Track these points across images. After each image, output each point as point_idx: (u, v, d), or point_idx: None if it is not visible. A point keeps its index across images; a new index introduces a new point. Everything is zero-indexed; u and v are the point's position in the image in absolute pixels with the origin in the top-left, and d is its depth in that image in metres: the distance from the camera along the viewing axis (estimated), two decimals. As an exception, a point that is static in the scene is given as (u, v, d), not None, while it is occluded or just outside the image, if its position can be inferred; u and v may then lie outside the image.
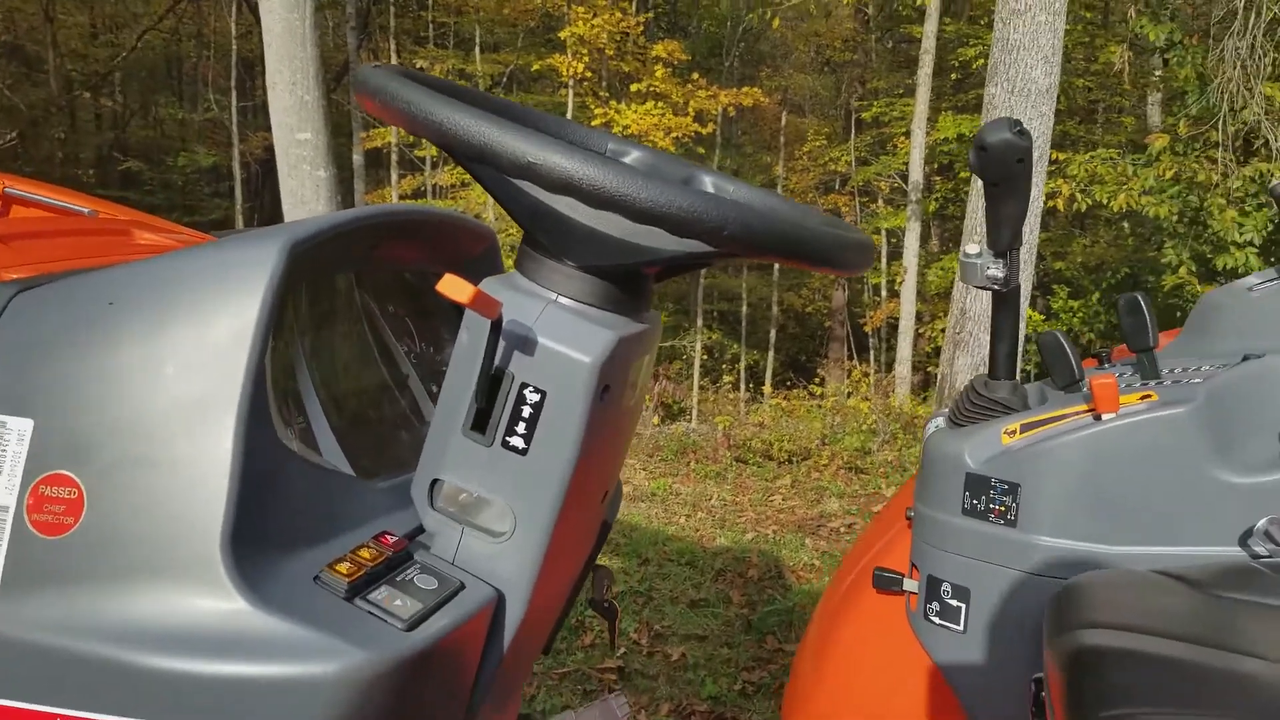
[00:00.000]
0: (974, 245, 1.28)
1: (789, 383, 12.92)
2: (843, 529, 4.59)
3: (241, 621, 0.67)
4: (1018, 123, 1.14)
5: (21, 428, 0.71)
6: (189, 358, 0.71)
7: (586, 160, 0.70)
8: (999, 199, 1.21)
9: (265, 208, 14.80)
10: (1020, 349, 1.81)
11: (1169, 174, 8.08)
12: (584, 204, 0.72)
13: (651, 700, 2.82)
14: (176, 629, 0.68)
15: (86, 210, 1.34)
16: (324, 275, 0.96)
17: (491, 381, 0.78)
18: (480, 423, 0.79)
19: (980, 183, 1.64)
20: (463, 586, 0.79)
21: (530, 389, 0.78)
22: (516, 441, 0.79)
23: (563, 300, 0.80)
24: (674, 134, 10.52)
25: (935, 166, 12.59)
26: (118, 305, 0.73)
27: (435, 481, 0.83)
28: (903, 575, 1.38)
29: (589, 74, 11.43)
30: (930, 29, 10.39)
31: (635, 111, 10.50)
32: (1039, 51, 5.06)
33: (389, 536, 0.80)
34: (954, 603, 1.29)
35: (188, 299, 0.73)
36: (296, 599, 0.70)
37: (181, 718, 0.67)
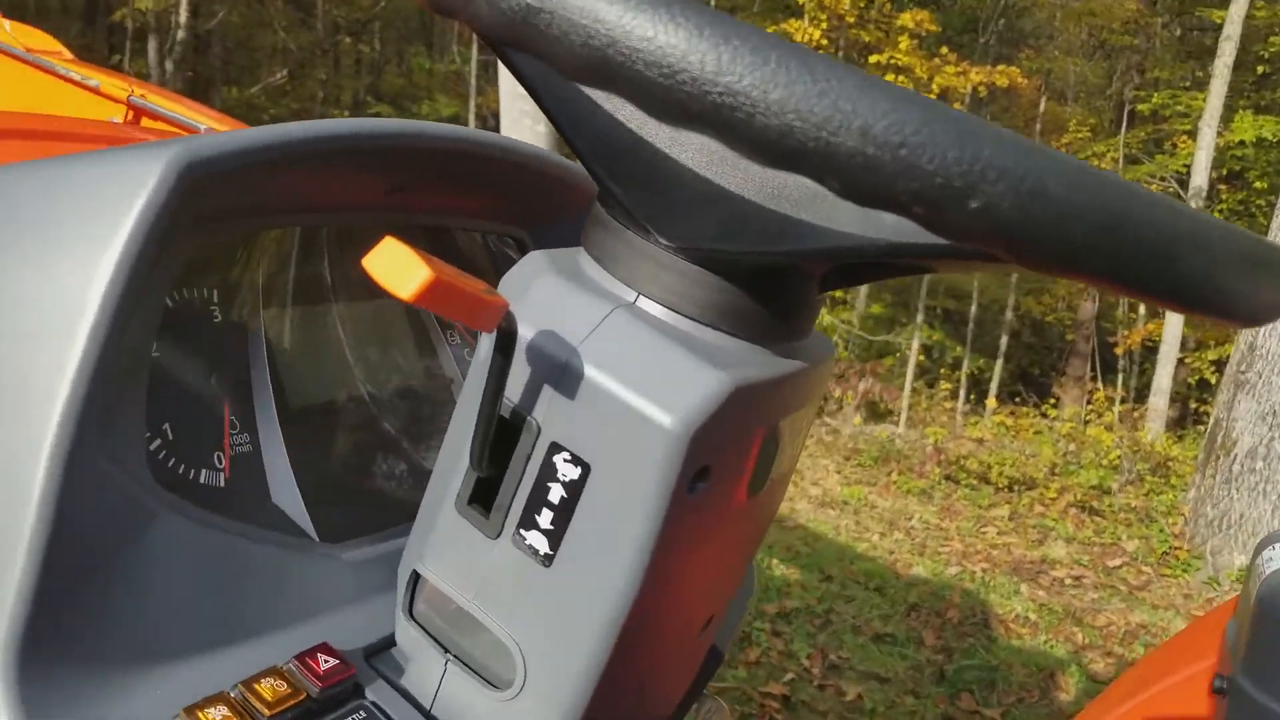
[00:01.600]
0: None
1: (1017, 397, 11.81)
2: (1068, 581, 3.96)
3: None
4: None
5: None
6: (16, 321, 0.47)
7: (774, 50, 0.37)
8: None
9: (496, 161, 15.29)
10: None
11: None
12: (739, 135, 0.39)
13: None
14: None
15: (202, 127, 1.22)
16: (299, 217, 0.67)
17: (500, 433, 0.48)
18: (483, 496, 0.49)
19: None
20: None
21: (565, 457, 0.46)
22: (536, 541, 0.47)
23: (646, 305, 0.47)
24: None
25: (1224, 172, 11.15)
26: None
27: (415, 575, 0.53)
28: None
29: (825, 41, 10.78)
30: (1237, 13, 9.07)
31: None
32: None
33: (323, 658, 0.51)
34: None
35: (32, 226, 0.48)
36: None
37: None
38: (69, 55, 1.48)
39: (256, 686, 0.49)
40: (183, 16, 11.75)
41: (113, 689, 0.47)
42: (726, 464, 0.48)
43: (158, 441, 0.59)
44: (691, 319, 0.47)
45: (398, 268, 0.37)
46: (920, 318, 12.90)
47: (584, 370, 0.45)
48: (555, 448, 0.46)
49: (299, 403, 0.68)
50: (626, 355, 0.45)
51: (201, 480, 0.61)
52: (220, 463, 0.62)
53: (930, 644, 3.13)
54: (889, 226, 0.39)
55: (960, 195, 0.35)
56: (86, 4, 13.74)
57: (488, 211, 0.75)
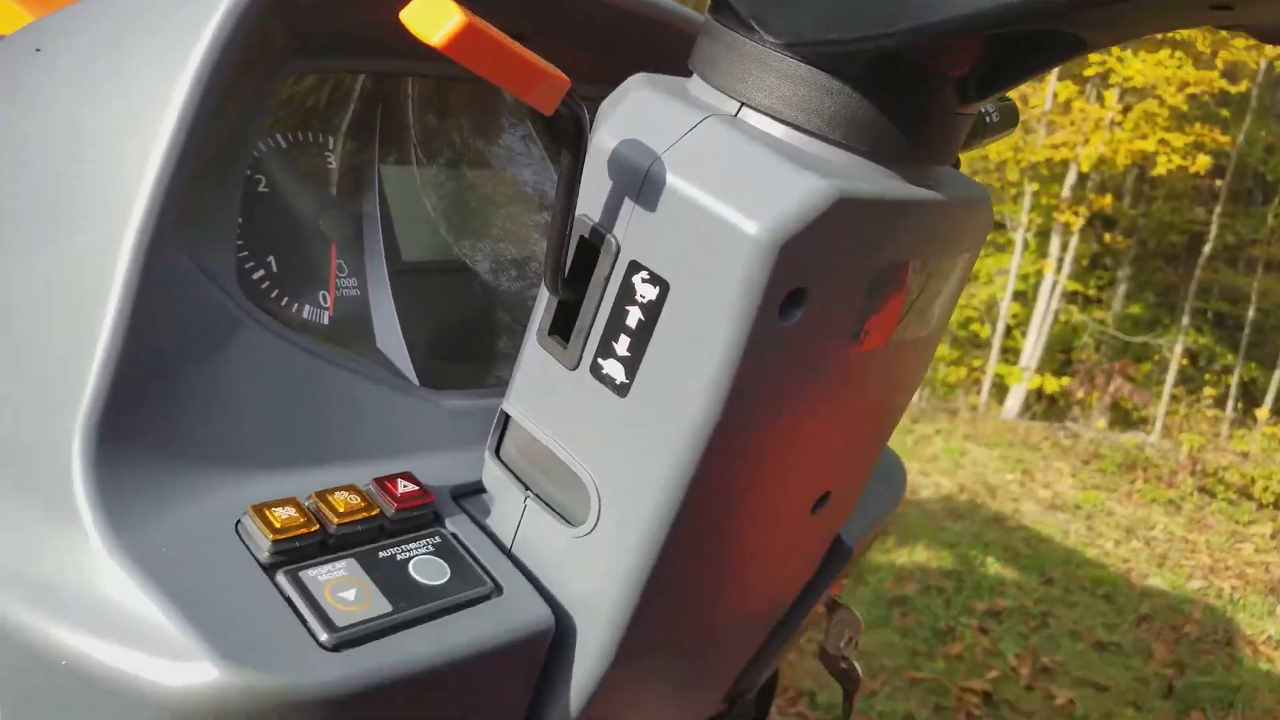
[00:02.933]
0: None
1: (1295, 411, 10.38)
2: (1339, 607, 3.48)
3: (83, 565, 0.43)
4: None
5: None
6: (102, 128, 0.47)
7: None
8: None
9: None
10: None
11: None
12: None
13: (1016, 747, 2.32)
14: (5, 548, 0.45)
15: None
16: (405, 64, 0.64)
17: (580, 256, 0.45)
18: (562, 326, 0.47)
19: None
20: (494, 593, 0.49)
21: (643, 276, 0.42)
22: (612, 369, 0.45)
23: (749, 116, 0.42)
24: (1190, 89, 8.83)
25: None
26: (46, 51, 0.51)
27: (504, 414, 0.53)
28: None
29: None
30: None
31: (1143, 61, 8.97)
32: None
33: (402, 483, 0.50)
34: None
35: (111, 39, 0.48)
36: (178, 552, 0.44)
37: None
38: None
39: (330, 497, 0.48)
40: None
41: (187, 486, 0.47)
42: (830, 294, 0.42)
43: (261, 271, 0.57)
44: (800, 129, 0.42)
45: (431, 12, 0.35)
46: (1186, 319, 11.63)
47: (666, 178, 0.41)
48: (634, 267, 0.43)
49: (411, 256, 0.65)
50: (715, 162, 0.41)
51: (305, 315, 0.59)
52: (325, 301, 0.60)
53: (1160, 657, 2.88)
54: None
55: None
56: None
57: (601, 72, 0.67)
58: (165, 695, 0.41)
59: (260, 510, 0.46)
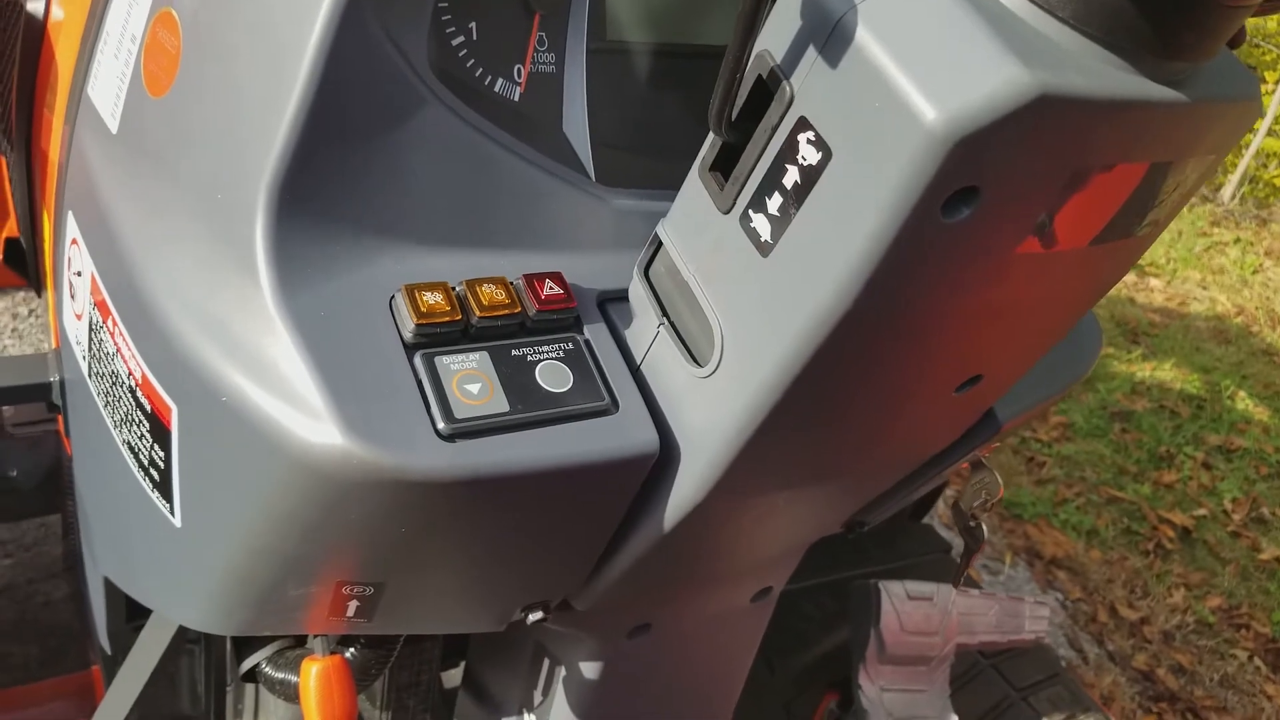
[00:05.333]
0: None
1: None
2: None
3: (253, 314, 0.46)
4: None
5: None
6: None
7: None
8: None
9: None
10: None
11: None
12: None
13: (1202, 583, 2.33)
14: (186, 277, 0.49)
15: None
16: None
17: (754, 96, 0.42)
18: (724, 164, 0.45)
19: None
20: (609, 409, 0.50)
21: (809, 137, 0.39)
22: (760, 225, 0.43)
23: None
24: None
25: None
26: None
27: (657, 236, 0.51)
28: None
29: None
30: None
31: None
32: None
33: (550, 284, 0.50)
34: None
35: None
36: (335, 318, 0.47)
37: (185, 390, 0.50)
38: None
39: (478, 289, 0.49)
40: None
41: (355, 253, 0.48)
42: (1012, 193, 0.37)
43: (460, 39, 0.56)
44: (1036, 3, 0.36)
45: None
46: None
47: (856, 31, 0.36)
48: (803, 124, 0.39)
49: (615, 35, 0.61)
50: (915, 24, 0.35)
51: (496, 89, 0.58)
52: (519, 76, 0.58)
53: None
54: None
55: None
56: None
57: None
58: (294, 447, 0.45)
59: (412, 291, 0.47)
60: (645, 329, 0.53)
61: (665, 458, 0.52)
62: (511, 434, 0.47)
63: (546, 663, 0.78)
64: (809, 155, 0.39)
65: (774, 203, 0.41)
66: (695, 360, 0.49)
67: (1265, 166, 6.94)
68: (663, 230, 0.51)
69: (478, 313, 0.48)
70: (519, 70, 0.58)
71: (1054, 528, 2.42)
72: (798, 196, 0.40)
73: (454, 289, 0.49)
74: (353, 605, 0.56)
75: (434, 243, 0.51)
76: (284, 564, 0.52)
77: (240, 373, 0.46)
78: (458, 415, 0.46)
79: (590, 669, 0.75)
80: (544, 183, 0.54)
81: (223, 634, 0.67)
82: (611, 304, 0.54)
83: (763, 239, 0.43)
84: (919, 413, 0.55)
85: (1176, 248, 4.67)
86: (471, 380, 0.48)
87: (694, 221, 0.48)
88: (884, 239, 0.37)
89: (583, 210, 0.56)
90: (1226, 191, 6.48)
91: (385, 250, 0.49)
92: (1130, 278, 4.11)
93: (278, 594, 0.55)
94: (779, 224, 0.42)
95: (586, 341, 0.52)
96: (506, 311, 0.49)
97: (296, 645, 0.69)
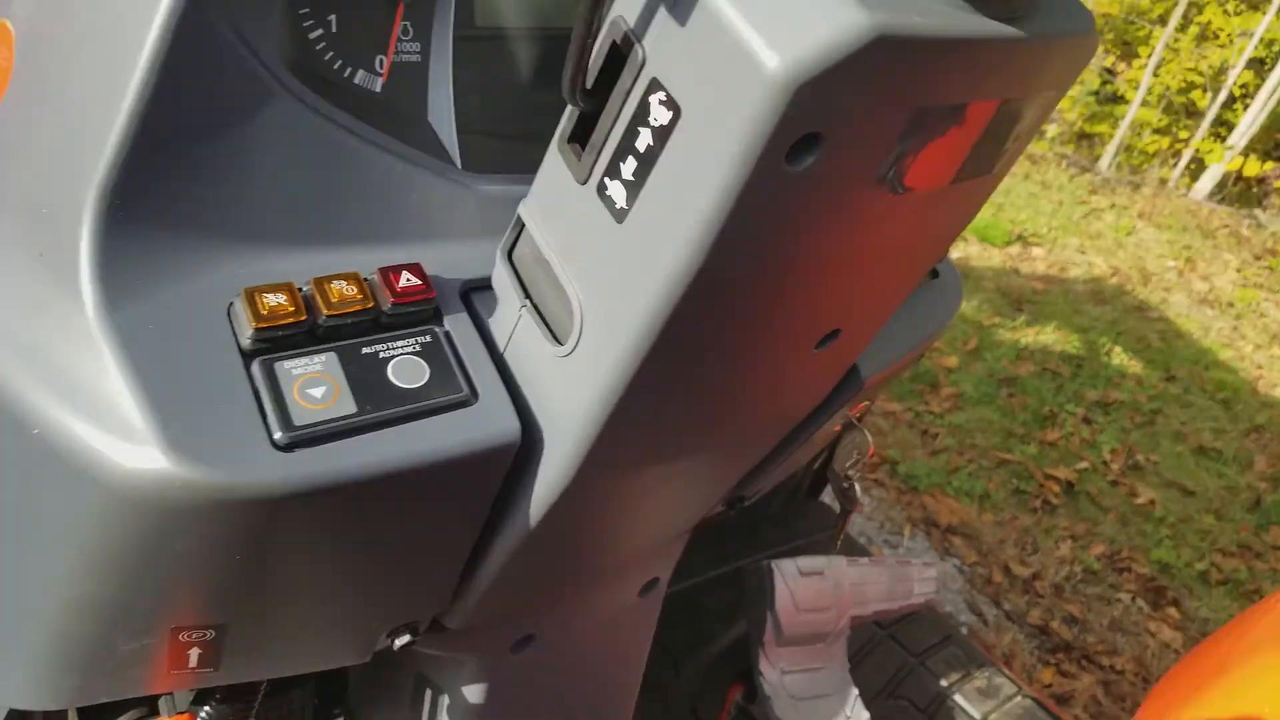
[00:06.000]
0: None
1: None
2: None
3: (72, 333, 0.42)
4: None
5: None
6: None
7: None
8: None
9: None
10: None
11: None
12: None
13: (1086, 533, 2.51)
14: (2, 307, 0.44)
15: None
16: None
17: (608, 60, 0.41)
18: (581, 135, 0.44)
19: None
20: (470, 400, 0.48)
21: (660, 98, 0.39)
22: (615, 192, 0.42)
23: None
24: None
25: None
26: None
27: (519, 217, 0.50)
28: None
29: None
30: None
31: None
32: None
33: (407, 276, 0.48)
34: None
35: None
36: (165, 329, 0.43)
37: None
38: None
39: (326, 286, 0.45)
40: None
41: (195, 259, 0.45)
42: (856, 138, 0.37)
43: (319, 32, 0.54)
44: None
45: None
46: None
47: None
48: (654, 85, 0.39)
49: (485, 21, 0.59)
50: None
51: (356, 80, 0.55)
52: (380, 67, 0.56)
53: (1260, 469, 2.88)
54: None
55: None
56: None
57: None
58: (111, 475, 0.40)
59: (252, 294, 0.43)
60: (509, 314, 0.51)
61: (529, 445, 0.50)
62: (357, 437, 0.44)
63: (429, 694, 0.74)
64: (660, 116, 0.39)
65: (628, 168, 0.41)
66: (557, 339, 0.48)
67: (1139, 135, 7.35)
68: (524, 209, 0.49)
69: (325, 311, 0.45)
70: (380, 61, 0.56)
71: (948, 495, 2.54)
72: (650, 159, 0.40)
73: (301, 289, 0.46)
74: (194, 654, 0.51)
75: (285, 243, 0.47)
76: (108, 615, 0.48)
77: (54, 400, 0.41)
78: (296, 422, 0.43)
79: (475, 692, 0.71)
80: (405, 173, 0.52)
81: (54, 707, 0.58)
82: (476, 293, 0.52)
83: (618, 205, 0.42)
84: (782, 373, 0.55)
85: (1058, 217, 4.93)
86: (315, 384, 0.44)
87: (554, 195, 0.46)
88: (731, 192, 0.37)
89: (447, 199, 0.53)
90: (1104, 161, 6.84)
91: (229, 254, 0.46)
92: (1015, 249, 4.34)
93: (106, 652, 0.50)
94: (633, 189, 0.41)
95: (446, 333, 0.49)
96: (358, 308, 0.46)
97: (151, 711, 0.64)
